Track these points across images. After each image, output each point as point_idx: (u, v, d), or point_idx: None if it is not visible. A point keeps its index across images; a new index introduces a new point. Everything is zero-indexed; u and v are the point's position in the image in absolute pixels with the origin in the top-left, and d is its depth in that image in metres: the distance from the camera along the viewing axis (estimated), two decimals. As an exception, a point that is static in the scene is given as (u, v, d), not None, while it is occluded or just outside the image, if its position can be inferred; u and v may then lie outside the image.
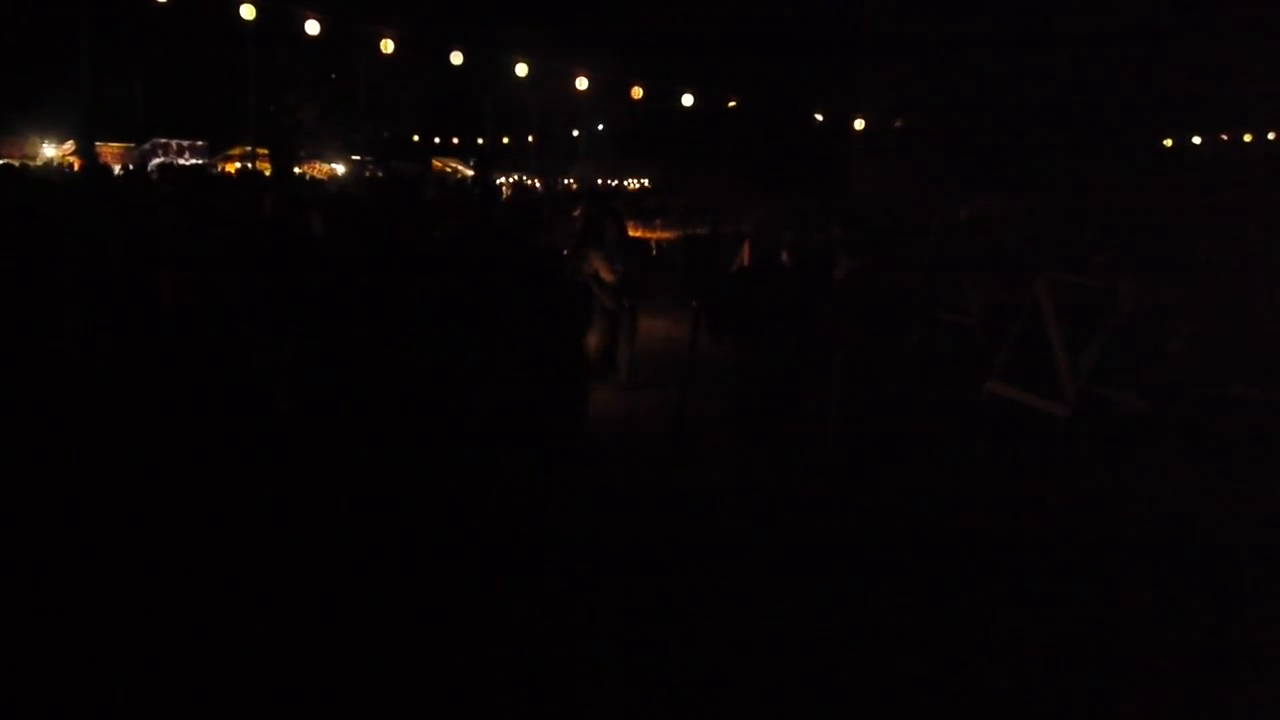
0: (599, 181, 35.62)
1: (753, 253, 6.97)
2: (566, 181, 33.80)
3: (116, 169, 18.62)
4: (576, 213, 9.72)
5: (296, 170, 24.75)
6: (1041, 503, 6.26)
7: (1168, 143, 26.10)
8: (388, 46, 19.41)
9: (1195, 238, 12.72)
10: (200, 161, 24.35)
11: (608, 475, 6.30)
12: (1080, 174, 19.65)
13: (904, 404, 6.93)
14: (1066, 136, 22.91)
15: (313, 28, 18.14)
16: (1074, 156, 21.40)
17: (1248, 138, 25.02)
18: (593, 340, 8.47)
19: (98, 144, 23.86)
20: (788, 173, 24.53)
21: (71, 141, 24.20)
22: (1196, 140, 25.62)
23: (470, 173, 34.54)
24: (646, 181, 36.55)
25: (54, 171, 17.04)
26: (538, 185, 32.97)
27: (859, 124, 28.31)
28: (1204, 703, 3.83)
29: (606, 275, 8.55)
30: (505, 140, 38.56)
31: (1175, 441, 7.31)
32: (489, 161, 26.66)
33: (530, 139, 38.40)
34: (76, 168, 19.64)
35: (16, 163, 16.23)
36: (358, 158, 31.06)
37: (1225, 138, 25.37)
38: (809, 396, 5.92)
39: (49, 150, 24.23)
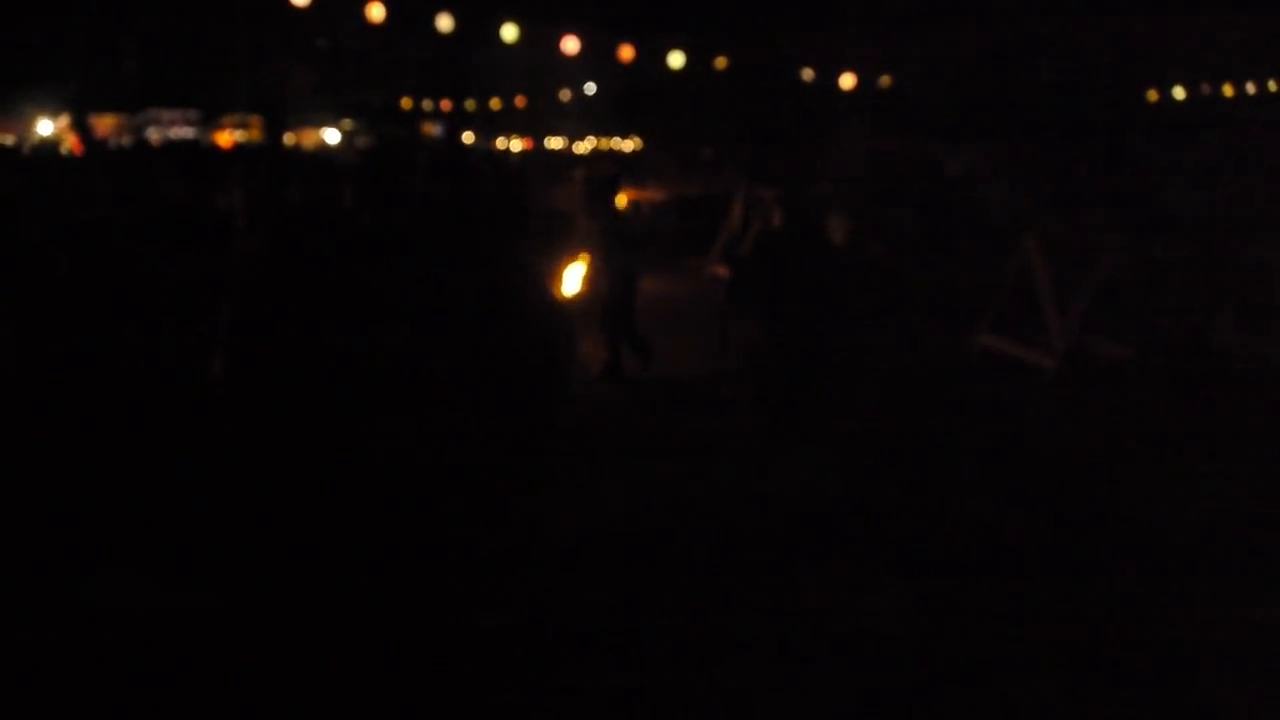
0: (595, 143, 35.63)
1: (772, 224, 7.21)
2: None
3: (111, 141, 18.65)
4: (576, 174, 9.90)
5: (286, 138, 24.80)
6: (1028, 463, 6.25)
7: (1151, 95, 26.26)
8: (376, 12, 19.37)
9: (1181, 190, 12.98)
10: (192, 131, 24.36)
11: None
12: (1068, 127, 19.83)
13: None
14: (1054, 90, 23.04)
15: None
16: (1061, 110, 21.55)
17: (1228, 90, 25.23)
18: None
19: (91, 116, 23.85)
20: (776, 131, 24.64)
21: (66, 116, 24.18)
22: (1179, 93, 25.78)
23: (466, 138, 34.51)
24: (636, 142, 36.55)
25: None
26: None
27: (847, 81, 28.37)
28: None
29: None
30: (494, 103, 38.37)
31: (1161, 391, 7.55)
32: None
33: (519, 102, 38.22)
34: (72, 145, 19.71)
35: (10, 140, 16.32)
36: (349, 125, 31.06)
37: (1206, 89, 25.54)
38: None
39: (45, 125, 24.22)
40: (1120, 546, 4.94)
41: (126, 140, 21.63)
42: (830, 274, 6.29)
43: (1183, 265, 8.57)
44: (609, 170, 8.77)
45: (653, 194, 17.92)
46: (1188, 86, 25.43)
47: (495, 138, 38.10)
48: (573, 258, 7.38)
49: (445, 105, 37.49)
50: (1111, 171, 15.18)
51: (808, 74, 27.05)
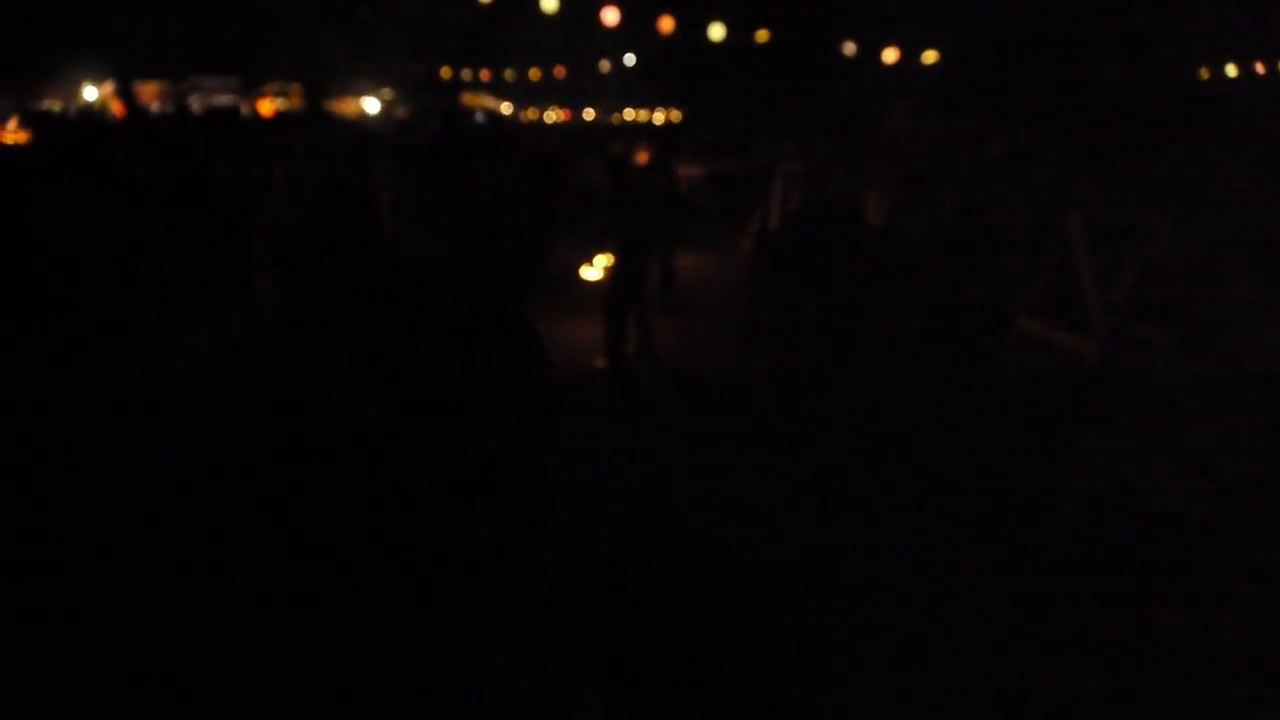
0: (626, 116, 35.50)
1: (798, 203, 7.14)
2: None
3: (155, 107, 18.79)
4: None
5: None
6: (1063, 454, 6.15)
7: (1203, 74, 25.72)
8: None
9: (1230, 172, 12.69)
10: (234, 99, 24.48)
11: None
12: (1114, 107, 19.47)
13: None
14: (1100, 69, 22.63)
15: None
16: (1108, 89, 21.15)
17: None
18: None
19: (135, 83, 24.04)
20: (817, 107, 24.40)
21: (110, 82, 24.39)
22: (1231, 71, 25.23)
23: (504, 109, 34.49)
24: (676, 115, 36.35)
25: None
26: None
27: (890, 56, 28.01)
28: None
29: None
30: (533, 73, 38.31)
31: (1207, 380, 7.39)
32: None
33: (558, 72, 38.15)
34: (116, 110, 19.90)
35: (58, 106, 16.49)
36: (388, 94, 31.10)
37: (1261, 69, 24.99)
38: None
39: (90, 91, 24.43)
40: (1148, 541, 4.87)
41: (169, 108, 21.78)
42: (861, 256, 6.20)
43: (1230, 248, 8.39)
44: (633, 144, 8.69)
45: (688, 169, 17.79)
46: (1240, 65, 24.91)
47: (527, 109, 38.02)
48: (600, 244, 7.36)
49: (484, 75, 37.50)
50: (1159, 152, 14.89)
51: (849, 48, 26.75)
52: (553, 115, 38.06)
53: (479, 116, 26.38)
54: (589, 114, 37.09)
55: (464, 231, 5.01)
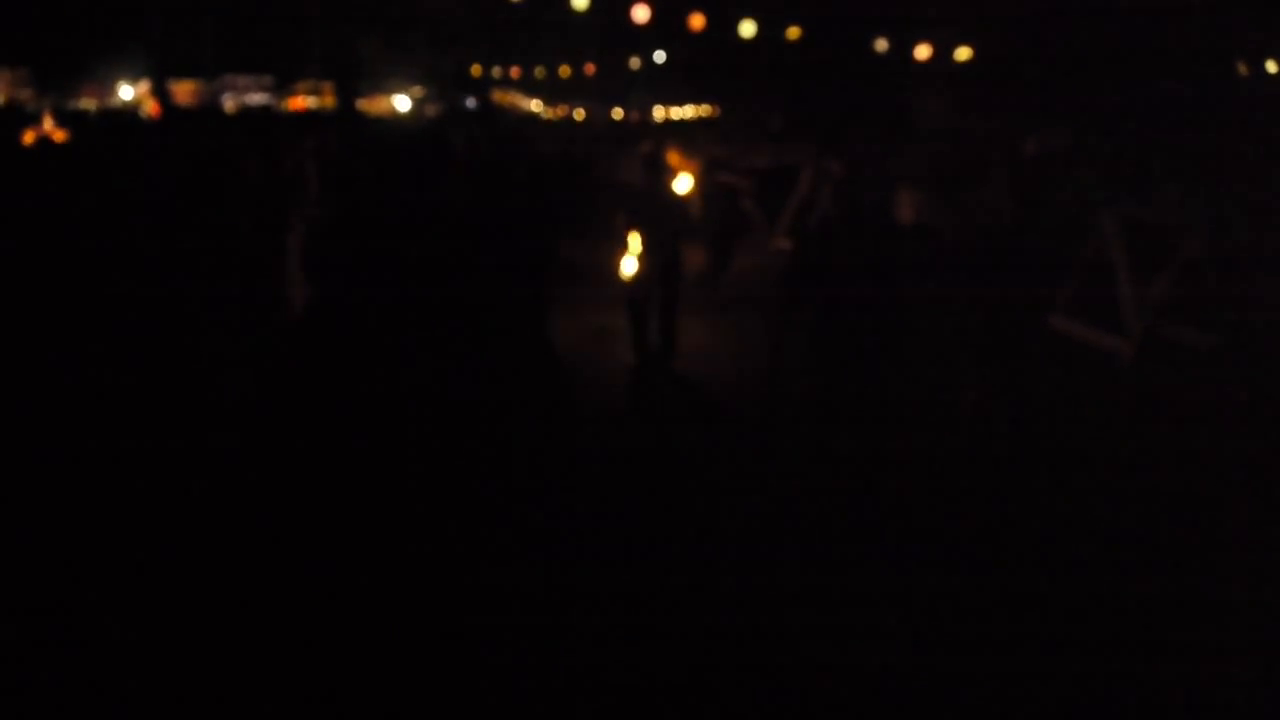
0: (657, 113, 35.44)
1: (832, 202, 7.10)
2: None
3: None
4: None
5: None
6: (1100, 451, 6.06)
7: (1241, 69, 25.35)
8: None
9: (1271, 171, 12.49)
10: (267, 98, 24.70)
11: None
12: (1150, 104, 19.24)
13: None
14: (1136, 65, 22.37)
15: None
16: (1144, 86, 20.90)
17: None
18: None
19: (170, 82, 24.32)
20: (848, 103, 24.27)
21: (146, 81, 24.68)
22: (1272, 67, 24.86)
23: (533, 106, 34.58)
24: (707, 110, 36.30)
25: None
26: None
27: (922, 53, 27.83)
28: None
29: None
30: (563, 71, 38.38)
31: (1244, 383, 7.23)
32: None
33: (589, 69, 38.20)
34: (151, 110, 20.11)
35: (94, 107, 16.70)
36: (419, 92, 31.28)
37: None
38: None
39: (126, 91, 24.75)
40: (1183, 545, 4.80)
41: (204, 106, 22.01)
42: (895, 257, 6.16)
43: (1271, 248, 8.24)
44: (664, 142, 8.63)
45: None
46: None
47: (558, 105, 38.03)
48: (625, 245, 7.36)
49: (515, 73, 37.62)
50: (1196, 150, 14.70)
51: (881, 45, 26.61)
52: (581, 113, 38.12)
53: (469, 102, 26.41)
54: (618, 113, 37.10)
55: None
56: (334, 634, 3.89)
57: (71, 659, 3.69)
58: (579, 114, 37.79)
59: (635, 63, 37.37)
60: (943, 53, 27.76)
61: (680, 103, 38.49)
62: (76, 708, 3.48)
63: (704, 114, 36.08)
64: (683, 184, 7.55)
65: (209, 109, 18.33)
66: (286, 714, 3.49)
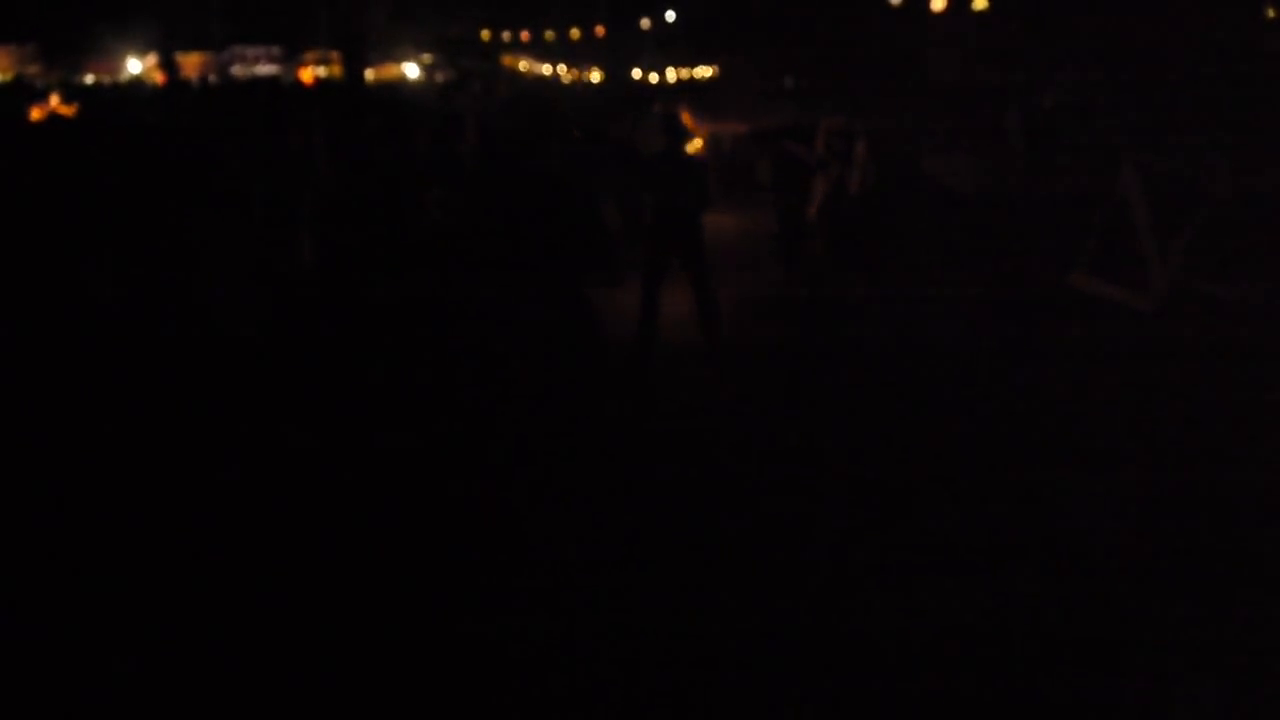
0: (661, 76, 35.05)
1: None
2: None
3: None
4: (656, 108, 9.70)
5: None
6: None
7: (1270, 13, 24.76)
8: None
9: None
10: (276, 69, 24.56)
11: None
12: (1170, 51, 18.84)
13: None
14: (1155, 10, 21.89)
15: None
16: (1163, 32, 20.47)
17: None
18: None
19: (178, 54, 24.20)
20: (862, 59, 23.93)
21: (154, 54, 24.55)
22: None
23: (545, 70, 34.26)
24: (715, 72, 35.87)
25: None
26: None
27: (937, 4, 27.36)
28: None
29: None
30: (574, 33, 38.01)
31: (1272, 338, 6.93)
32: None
33: (598, 30, 37.82)
34: (160, 81, 20.03)
35: (108, 80, 16.61)
36: (428, 59, 31.03)
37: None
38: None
39: (134, 64, 24.64)
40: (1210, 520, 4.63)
41: (212, 78, 21.89)
42: (922, 220, 6.05)
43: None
44: (676, 106, 8.40)
45: (732, 127, 17.51)
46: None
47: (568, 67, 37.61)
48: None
49: (525, 36, 37.29)
50: (1219, 98, 14.39)
51: (895, -2, 26.18)
52: (595, 75, 37.75)
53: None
54: (636, 73, 36.63)
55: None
56: (335, 627, 3.81)
57: (69, 650, 3.65)
58: (593, 76, 37.42)
59: (646, 24, 36.97)
60: (958, 3, 27.28)
61: (694, 64, 38.01)
62: (76, 708, 3.40)
63: (714, 74, 35.58)
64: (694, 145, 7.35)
65: (218, 80, 18.23)
66: (286, 715, 3.40)
